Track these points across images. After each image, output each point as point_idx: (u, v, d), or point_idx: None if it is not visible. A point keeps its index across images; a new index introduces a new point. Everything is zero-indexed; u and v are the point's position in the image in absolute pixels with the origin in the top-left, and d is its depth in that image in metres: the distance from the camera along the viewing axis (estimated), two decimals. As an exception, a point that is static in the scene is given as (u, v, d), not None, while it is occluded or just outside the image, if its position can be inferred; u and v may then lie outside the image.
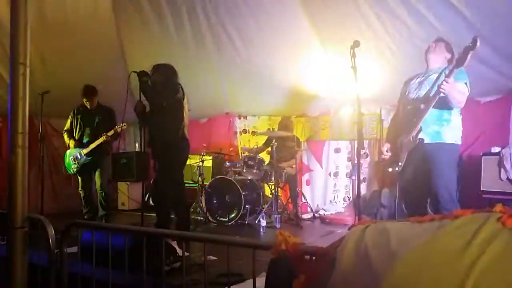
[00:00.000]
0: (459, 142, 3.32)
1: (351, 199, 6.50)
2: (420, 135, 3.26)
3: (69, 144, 5.36)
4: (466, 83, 3.21)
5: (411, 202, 3.53)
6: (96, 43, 5.98)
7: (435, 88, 3.19)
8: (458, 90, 3.14)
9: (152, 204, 6.67)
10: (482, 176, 4.85)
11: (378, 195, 5.65)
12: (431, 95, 3.23)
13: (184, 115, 4.17)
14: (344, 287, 1.16)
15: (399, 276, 0.97)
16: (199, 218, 5.91)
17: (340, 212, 6.24)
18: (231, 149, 7.11)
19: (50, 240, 2.36)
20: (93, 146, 5.19)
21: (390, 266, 0.99)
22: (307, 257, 1.58)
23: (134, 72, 3.99)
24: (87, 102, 5.29)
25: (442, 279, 0.91)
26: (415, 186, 3.41)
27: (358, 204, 3.39)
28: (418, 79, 3.45)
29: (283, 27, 5.40)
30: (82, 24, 5.70)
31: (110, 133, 5.17)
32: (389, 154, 3.51)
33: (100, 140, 5.16)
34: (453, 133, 3.27)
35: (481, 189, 4.82)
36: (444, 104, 3.20)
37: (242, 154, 6.39)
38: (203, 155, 6.28)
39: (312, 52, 5.59)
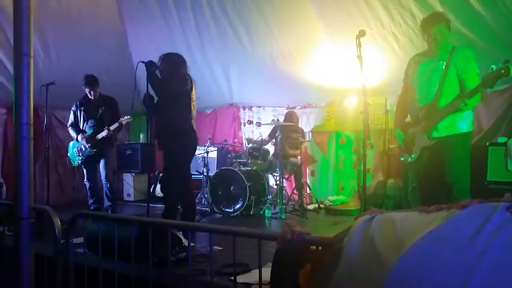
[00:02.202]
0: (471, 128, 3.30)
1: (356, 189, 6.48)
2: (434, 133, 3.25)
3: (77, 138, 5.34)
4: (477, 74, 3.17)
5: (426, 194, 3.50)
6: (100, 33, 5.97)
7: (446, 87, 3.18)
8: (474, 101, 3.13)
9: (158, 195, 6.71)
10: (488, 166, 4.82)
11: (383, 186, 5.63)
12: (443, 93, 3.20)
13: (192, 107, 4.15)
14: (350, 277, 1.15)
15: (406, 266, 0.96)
16: (204, 209, 5.92)
17: (345, 202, 6.23)
18: (236, 140, 7.10)
19: (57, 231, 2.37)
20: (97, 139, 5.21)
21: (397, 255, 0.99)
22: (313, 247, 1.58)
23: (142, 62, 3.96)
24: (90, 92, 5.28)
25: (450, 269, 0.90)
26: (429, 177, 3.39)
27: (364, 195, 3.38)
28: (427, 65, 3.37)
29: (288, 17, 5.36)
30: (85, 14, 5.69)
31: (114, 126, 5.19)
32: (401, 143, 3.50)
33: (103, 134, 5.17)
34: (465, 121, 3.24)
35: (487, 179, 4.79)
36: None
37: (247, 145, 6.38)
38: (208, 146, 6.28)
39: (317, 42, 5.55)
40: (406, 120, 3.58)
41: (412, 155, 3.40)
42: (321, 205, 6.19)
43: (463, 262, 0.89)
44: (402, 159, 3.52)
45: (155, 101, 4.15)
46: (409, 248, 0.98)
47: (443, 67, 3.21)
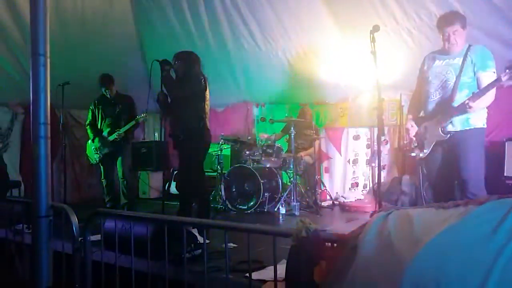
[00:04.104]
0: (485, 126, 3.27)
1: (370, 186, 6.44)
2: (449, 127, 3.23)
3: (93, 138, 5.40)
4: (494, 72, 3.16)
5: (439, 190, 3.47)
6: (114, 32, 6.02)
7: (462, 81, 3.17)
8: (485, 101, 3.14)
9: (172, 192, 6.76)
10: (505, 162, 4.75)
11: (398, 182, 5.59)
12: (459, 87, 3.18)
13: (206, 106, 4.16)
14: (366, 274, 1.15)
15: (423, 262, 0.95)
16: (218, 206, 5.94)
17: (360, 199, 6.20)
18: (249, 137, 7.10)
19: (74, 229, 2.40)
20: (112, 139, 5.27)
21: (414, 252, 0.98)
22: (328, 244, 1.58)
23: (156, 60, 3.97)
24: (106, 91, 5.33)
25: (469, 265, 0.89)
26: (443, 173, 3.37)
27: (379, 191, 3.36)
28: (442, 61, 3.35)
29: (301, 14, 5.34)
30: (100, 14, 5.75)
31: (130, 124, 5.23)
32: (414, 139, 3.49)
33: (115, 136, 5.22)
34: (479, 117, 3.23)
35: (505, 174, 4.73)
36: None
37: (260, 142, 6.37)
38: (222, 144, 6.30)
39: (330, 38, 5.52)
40: (419, 115, 3.56)
41: (424, 150, 3.39)
42: (335, 202, 6.17)
43: (481, 258, 0.88)
44: (413, 154, 3.50)
45: (169, 99, 4.17)
46: (426, 244, 0.98)
47: (460, 63, 3.20)
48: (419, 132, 3.46)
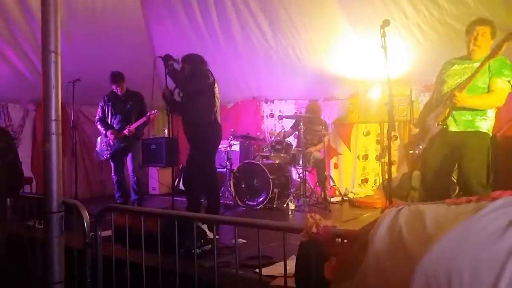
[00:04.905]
0: (490, 133, 3.25)
1: (380, 182, 6.41)
2: (453, 127, 3.20)
3: (106, 133, 5.43)
4: (509, 81, 3.12)
5: (431, 187, 3.44)
6: (124, 29, 6.04)
7: (474, 84, 3.14)
8: (484, 100, 3.15)
9: (182, 188, 6.78)
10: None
11: (408, 178, 5.55)
12: (469, 89, 3.15)
13: (216, 100, 4.21)
14: (377, 271, 1.14)
15: (435, 259, 0.94)
16: (227, 202, 5.95)
17: (370, 195, 6.18)
18: (258, 133, 7.11)
19: (85, 224, 2.43)
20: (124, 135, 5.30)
21: (426, 248, 0.97)
22: (339, 240, 1.57)
23: (159, 57, 4.02)
24: (117, 88, 5.36)
25: (482, 261, 0.88)
26: (441, 172, 3.34)
27: (389, 187, 3.33)
28: (460, 65, 3.31)
29: (310, 9, 5.31)
30: (110, 11, 5.77)
31: (141, 121, 5.26)
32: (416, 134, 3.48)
33: (125, 133, 5.25)
34: (486, 124, 3.20)
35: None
36: None
37: (270, 138, 6.38)
38: (231, 140, 6.30)
39: (340, 33, 5.49)
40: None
41: (420, 146, 3.38)
42: (344, 198, 6.15)
43: (494, 255, 0.87)
44: (411, 152, 3.50)
45: (174, 96, 4.22)
46: (438, 241, 0.97)
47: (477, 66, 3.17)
48: (422, 128, 3.45)
